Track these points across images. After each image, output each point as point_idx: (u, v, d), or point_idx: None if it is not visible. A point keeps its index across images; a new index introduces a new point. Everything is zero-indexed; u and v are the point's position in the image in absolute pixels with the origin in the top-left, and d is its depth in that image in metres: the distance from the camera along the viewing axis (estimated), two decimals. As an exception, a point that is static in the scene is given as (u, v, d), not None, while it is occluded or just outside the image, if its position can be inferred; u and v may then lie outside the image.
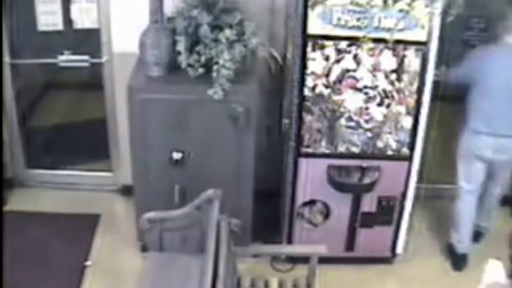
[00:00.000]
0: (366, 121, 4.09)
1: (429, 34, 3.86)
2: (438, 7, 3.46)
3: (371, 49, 3.90)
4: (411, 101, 4.05)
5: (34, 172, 5.30)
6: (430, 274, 4.53)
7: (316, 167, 4.21)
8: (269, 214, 4.60)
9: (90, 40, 4.89)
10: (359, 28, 3.82)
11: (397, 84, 4.00)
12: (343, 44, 3.89)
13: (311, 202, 4.32)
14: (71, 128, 5.82)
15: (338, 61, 3.94)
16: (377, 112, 4.07)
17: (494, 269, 3.35)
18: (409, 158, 4.20)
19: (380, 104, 4.05)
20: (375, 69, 3.95)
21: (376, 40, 3.84)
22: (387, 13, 3.76)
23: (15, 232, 4.49)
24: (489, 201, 4.62)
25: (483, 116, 4.19)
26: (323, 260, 3.81)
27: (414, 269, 4.56)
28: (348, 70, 3.96)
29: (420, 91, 4.02)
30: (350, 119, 4.08)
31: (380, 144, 4.16)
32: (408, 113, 4.08)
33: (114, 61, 4.75)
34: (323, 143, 4.15)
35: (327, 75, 3.98)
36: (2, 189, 4.83)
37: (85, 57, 4.97)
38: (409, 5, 3.71)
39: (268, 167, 4.69)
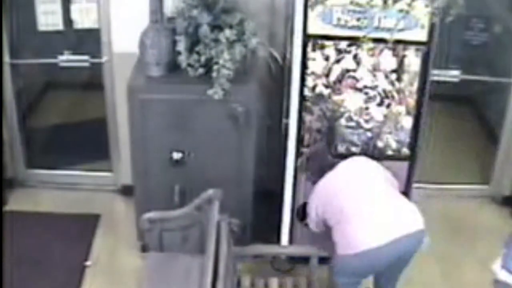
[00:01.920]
0: (366, 121, 4.09)
1: (429, 34, 3.86)
2: (438, 7, 3.46)
3: (371, 49, 3.89)
4: (411, 101, 4.04)
5: (34, 172, 5.29)
6: (430, 275, 4.53)
7: (316, 167, 4.21)
8: (269, 214, 4.59)
9: (90, 40, 4.89)
10: (359, 28, 3.82)
11: (397, 84, 4.00)
12: (343, 44, 3.89)
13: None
14: (71, 128, 5.82)
15: (338, 61, 3.94)
16: (377, 112, 4.07)
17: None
18: (409, 158, 4.20)
19: (380, 104, 4.05)
20: (375, 69, 3.95)
21: (376, 40, 3.84)
22: (387, 13, 3.76)
23: (15, 232, 4.48)
24: None
25: None
26: (323, 260, 3.82)
27: (414, 269, 4.55)
28: (348, 70, 3.96)
29: (420, 91, 4.02)
30: (350, 119, 4.08)
31: (380, 144, 4.16)
32: (408, 113, 4.07)
33: (114, 61, 4.75)
34: (323, 143, 4.14)
35: (327, 75, 3.98)
36: (2, 189, 4.83)
37: (85, 57, 4.97)
38: (409, 5, 3.71)
39: (268, 167, 4.69)
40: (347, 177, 3.71)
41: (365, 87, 4.00)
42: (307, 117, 4.08)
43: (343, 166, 3.76)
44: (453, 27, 4.52)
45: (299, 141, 4.14)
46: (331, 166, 3.77)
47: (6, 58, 4.86)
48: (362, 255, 3.41)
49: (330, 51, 3.91)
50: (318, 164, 3.93)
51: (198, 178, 4.08)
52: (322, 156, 3.97)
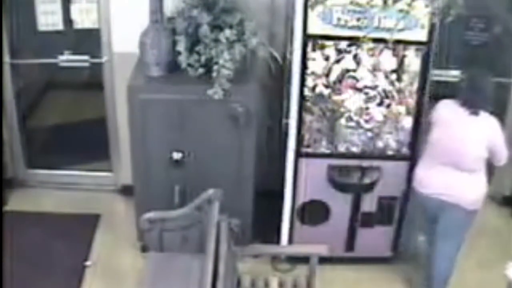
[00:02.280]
0: (366, 121, 4.09)
1: (429, 34, 3.86)
2: (438, 7, 3.46)
3: (371, 49, 3.90)
4: (411, 101, 4.04)
5: (34, 172, 5.30)
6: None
7: (316, 167, 4.21)
8: (269, 214, 4.60)
9: (90, 40, 4.89)
10: (359, 28, 3.82)
11: (397, 84, 4.00)
12: (343, 44, 3.89)
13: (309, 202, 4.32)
14: (71, 128, 5.82)
15: (338, 61, 3.94)
16: (377, 112, 4.07)
17: None
18: (409, 158, 4.20)
19: (380, 104, 4.05)
20: (375, 69, 3.95)
21: (376, 40, 3.84)
22: (387, 13, 3.76)
23: (15, 232, 4.49)
24: None
25: None
26: (323, 260, 3.82)
27: (414, 269, 4.56)
28: (348, 70, 3.96)
29: (420, 91, 4.02)
30: (350, 119, 4.08)
31: (380, 144, 4.16)
32: (408, 113, 4.08)
33: (114, 61, 4.75)
34: (323, 143, 4.15)
35: (327, 75, 3.98)
36: (2, 189, 4.83)
37: (85, 57, 4.97)
38: (409, 5, 3.71)
39: (268, 167, 4.69)
40: (464, 125, 3.85)
41: (365, 87, 4.00)
42: (307, 117, 4.08)
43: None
44: (453, 27, 4.52)
45: (299, 141, 4.14)
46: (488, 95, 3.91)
47: (6, 58, 4.86)
48: (417, 193, 4.04)
49: (330, 51, 3.91)
50: (478, 92, 3.88)
51: (198, 178, 4.08)
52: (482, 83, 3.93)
